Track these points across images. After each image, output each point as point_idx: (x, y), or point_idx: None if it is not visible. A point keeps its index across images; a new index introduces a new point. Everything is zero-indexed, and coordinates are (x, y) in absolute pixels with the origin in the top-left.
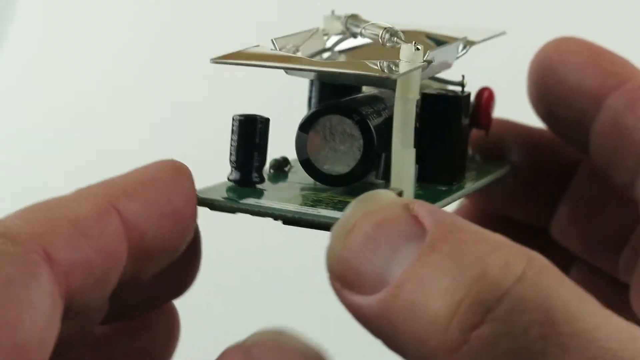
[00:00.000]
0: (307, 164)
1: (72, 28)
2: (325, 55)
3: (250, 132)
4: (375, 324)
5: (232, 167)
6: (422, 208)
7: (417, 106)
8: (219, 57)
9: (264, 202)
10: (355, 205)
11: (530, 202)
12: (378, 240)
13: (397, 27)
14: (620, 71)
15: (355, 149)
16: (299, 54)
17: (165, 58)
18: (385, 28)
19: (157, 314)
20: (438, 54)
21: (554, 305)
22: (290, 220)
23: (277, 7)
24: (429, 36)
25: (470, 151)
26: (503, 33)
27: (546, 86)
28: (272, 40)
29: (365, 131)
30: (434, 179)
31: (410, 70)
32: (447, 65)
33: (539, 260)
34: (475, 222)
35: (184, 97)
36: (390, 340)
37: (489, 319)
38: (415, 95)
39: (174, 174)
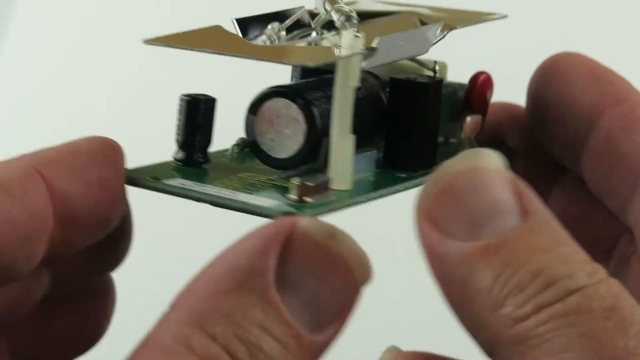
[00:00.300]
0: (254, 146)
1: (72, 28)
2: (313, 34)
3: (193, 113)
4: (453, 268)
5: (177, 146)
6: (526, 190)
7: (357, 94)
8: (152, 39)
9: (187, 184)
10: (466, 157)
11: None
12: (480, 196)
13: (397, 8)
14: (617, 90)
15: (299, 133)
16: (282, 33)
17: (166, 57)
18: (341, 12)
19: (96, 285)
20: (393, 40)
21: (621, 299)
22: (209, 203)
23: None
24: (422, 20)
25: (462, 135)
26: (505, 16)
27: (542, 103)
28: (232, 20)
29: (308, 116)
30: (399, 164)
31: (330, 60)
32: (422, 50)
33: (615, 280)
34: None
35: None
36: (456, 290)
37: (564, 300)
38: (354, 83)
39: (103, 148)
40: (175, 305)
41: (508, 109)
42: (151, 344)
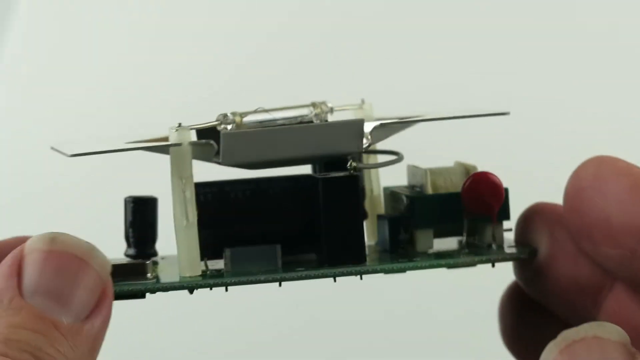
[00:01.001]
0: None
1: (72, 28)
2: None
3: (127, 211)
4: None
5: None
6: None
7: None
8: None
9: None
10: (589, 326)
11: (565, 305)
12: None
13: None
14: None
15: None
16: None
17: (167, 59)
18: (225, 114)
19: None
20: (261, 136)
21: None
22: None
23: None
24: None
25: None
26: (507, 113)
27: (585, 221)
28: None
29: None
30: (321, 259)
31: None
32: (346, 147)
33: None
34: (522, 307)
35: (186, 98)
36: None
37: None
38: (187, 174)
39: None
40: None
41: (550, 211)
42: None
